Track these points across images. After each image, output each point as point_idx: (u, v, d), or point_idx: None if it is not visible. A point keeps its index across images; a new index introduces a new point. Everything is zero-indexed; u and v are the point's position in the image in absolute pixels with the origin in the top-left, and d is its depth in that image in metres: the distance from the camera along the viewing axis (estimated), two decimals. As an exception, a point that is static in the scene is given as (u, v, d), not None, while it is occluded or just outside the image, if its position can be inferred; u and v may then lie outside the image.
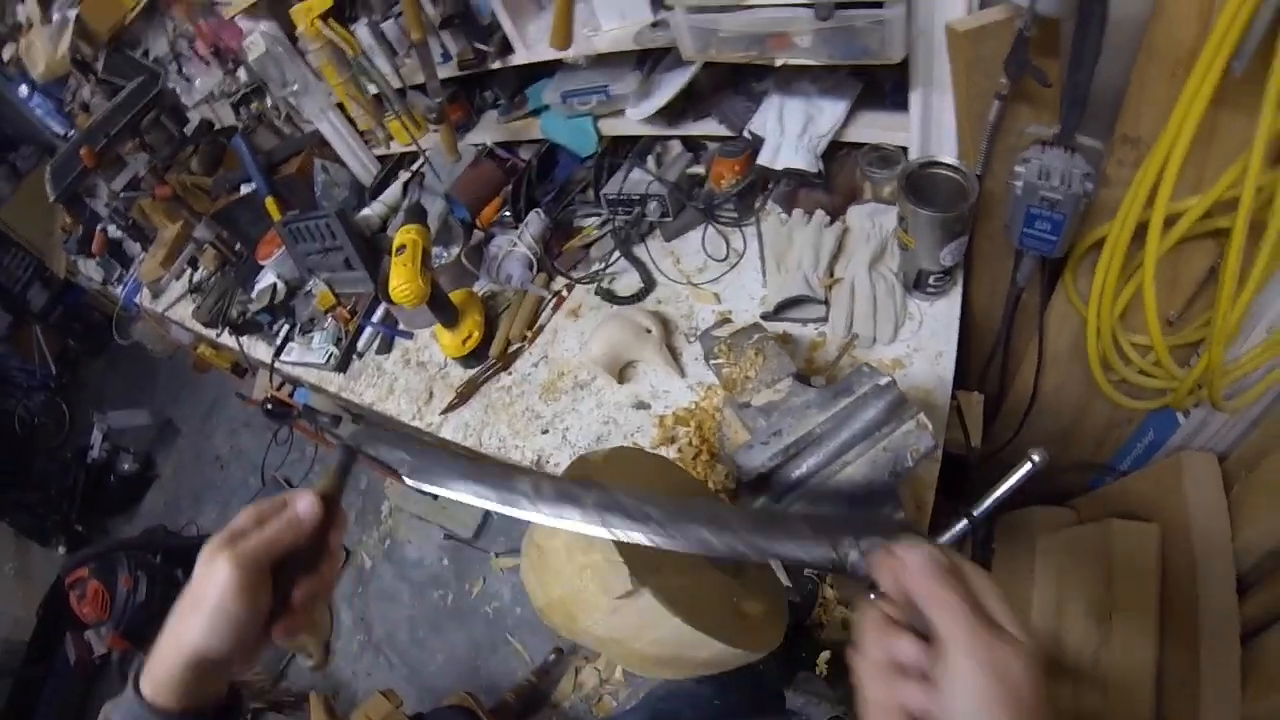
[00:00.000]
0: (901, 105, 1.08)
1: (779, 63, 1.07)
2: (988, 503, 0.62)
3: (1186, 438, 1.12)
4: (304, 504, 0.54)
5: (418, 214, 1.26)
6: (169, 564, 2.53)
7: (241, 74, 1.89)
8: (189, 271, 2.22)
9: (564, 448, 1.14)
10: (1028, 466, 0.56)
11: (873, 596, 0.43)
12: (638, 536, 0.53)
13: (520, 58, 1.34)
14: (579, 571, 0.68)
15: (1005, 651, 0.35)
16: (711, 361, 0.86)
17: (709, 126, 1.27)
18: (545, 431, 1.16)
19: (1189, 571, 0.98)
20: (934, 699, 0.35)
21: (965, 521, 0.69)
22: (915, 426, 0.74)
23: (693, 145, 1.35)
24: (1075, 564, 1.06)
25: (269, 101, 1.91)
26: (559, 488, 0.55)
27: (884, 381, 0.74)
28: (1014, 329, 1.16)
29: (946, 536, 0.63)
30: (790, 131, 1.13)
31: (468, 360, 1.33)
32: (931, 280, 1.00)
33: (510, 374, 1.27)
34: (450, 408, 1.28)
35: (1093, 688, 0.99)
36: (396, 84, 1.48)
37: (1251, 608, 0.96)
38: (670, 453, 1.03)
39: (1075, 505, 1.19)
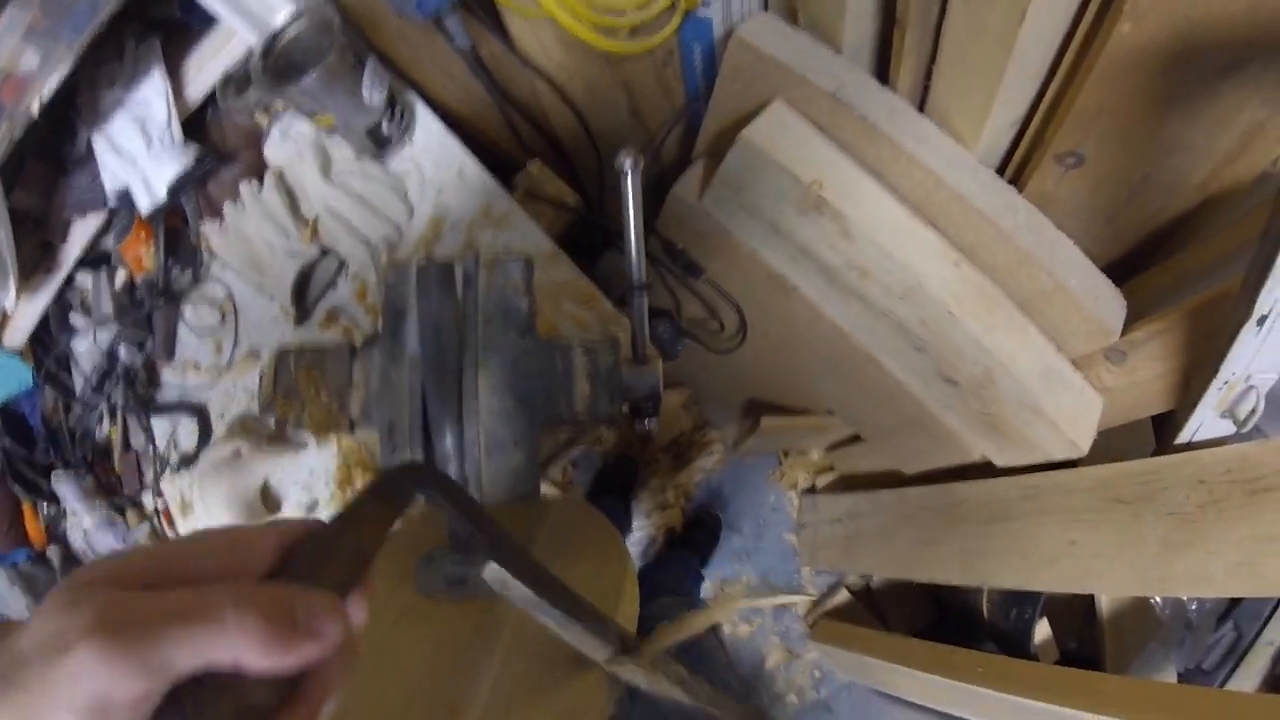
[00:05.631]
0: (205, 19, 0.86)
1: (34, 110, 0.81)
2: (632, 246, 0.56)
3: (726, 24, 1.06)
4: (334, 623, 0.23)
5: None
6: None
7: None
8: None
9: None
10: (629, 176, 0.53)
11: None
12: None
13: None
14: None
15: None
16: (291, 428, 0.66)
17: (80, 234, 0.96)
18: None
19: (828, 100, 0.94)
20: None
21: (634, 291, 0.60)
22: (486, 273, 0.59)
23: (95, 261, 1.02)
24: (752, 185, 1.00)
25: None
26: None
27: (393, 280, 0.57)
28: (506, 85, 1.02)
29: (634, 315, 0.59)
30: (139, 151, 0.87)
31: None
32: (386, 126, 0.83)
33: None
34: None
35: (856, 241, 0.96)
36: None
37: (904, 79, 0.95)
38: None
39: (700, 156, 1.12)
